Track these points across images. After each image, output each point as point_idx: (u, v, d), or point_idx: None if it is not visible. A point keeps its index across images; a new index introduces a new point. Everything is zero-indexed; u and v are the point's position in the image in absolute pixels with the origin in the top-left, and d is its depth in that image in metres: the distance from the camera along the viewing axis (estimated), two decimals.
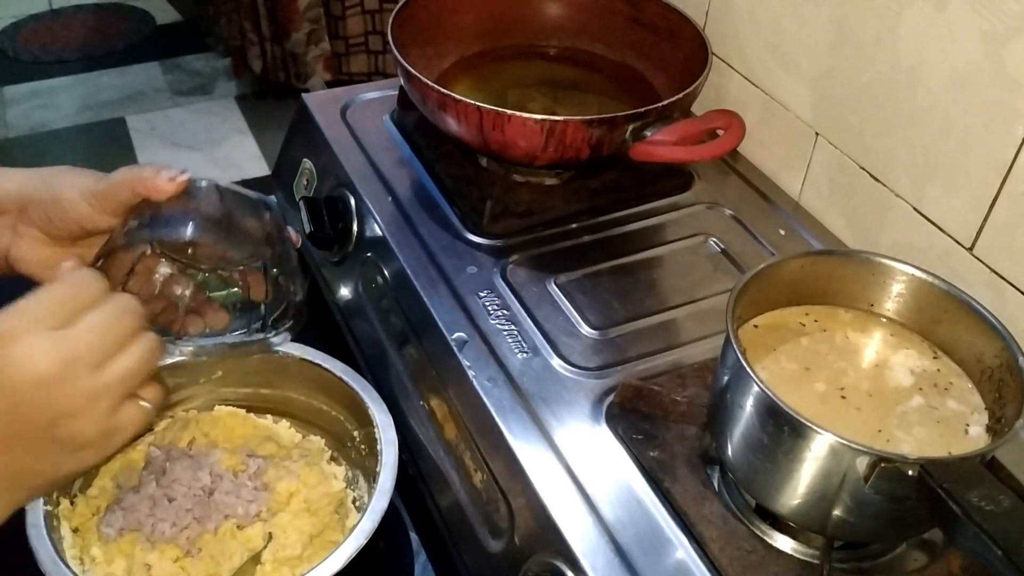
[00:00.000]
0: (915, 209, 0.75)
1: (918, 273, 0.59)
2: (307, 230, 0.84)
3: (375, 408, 0.72)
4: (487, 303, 0.73)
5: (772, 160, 0.91)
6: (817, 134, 0.84)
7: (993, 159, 0.67)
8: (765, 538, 0.58)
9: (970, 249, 0.71)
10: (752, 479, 0.57)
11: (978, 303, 0.56)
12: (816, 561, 0.57)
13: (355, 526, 0.64)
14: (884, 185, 0.78)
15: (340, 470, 0.74)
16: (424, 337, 0.74)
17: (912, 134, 0.74)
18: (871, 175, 0.79)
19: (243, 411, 0.78)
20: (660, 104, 0.79)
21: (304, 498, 0.69)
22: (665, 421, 0.64)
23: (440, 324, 0.72)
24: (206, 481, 0.69)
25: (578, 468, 0.62)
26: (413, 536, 0.74)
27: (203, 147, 2.48)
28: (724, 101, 0.95)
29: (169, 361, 0.75)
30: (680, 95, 0.80)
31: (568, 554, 0.57)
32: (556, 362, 0.69)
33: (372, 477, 0.69)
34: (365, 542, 0.63)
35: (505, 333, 0.71)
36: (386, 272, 0.80)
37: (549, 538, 0.59)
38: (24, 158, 2.41)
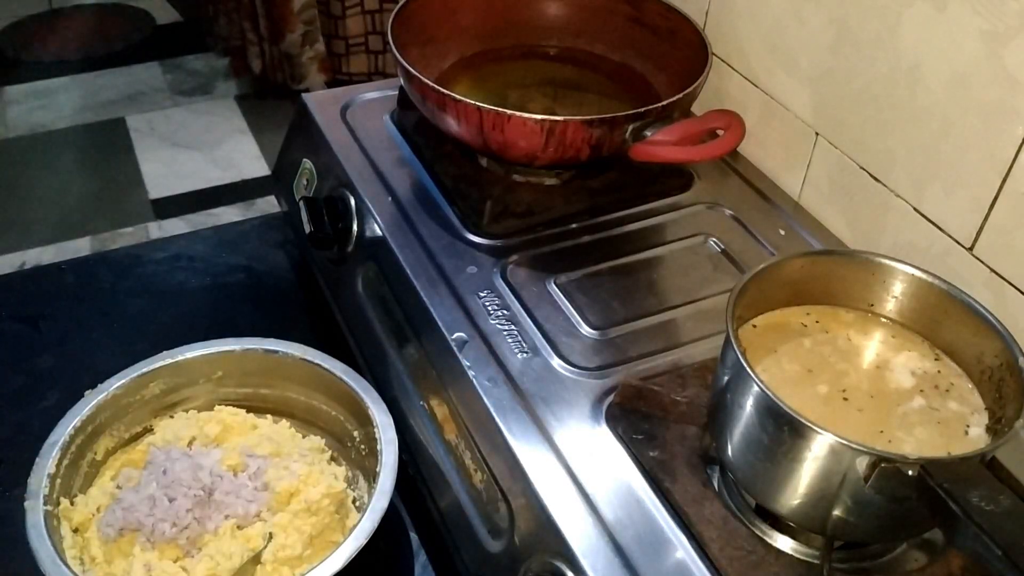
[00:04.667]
0: (915, 209, 0.75)
1: (918, 273, 0.59)
2: (307, 230, 0.84)
3: (375, 408, 0.72)
4: (487, 303, 0.73)
5: (772, 160, 0.91)
6: (817, 134, 0.84)
7: (993, 159, 0.67)
8: (765, 538, 0.58)
9: (970, 249, 0.71)
10: (752, 479, 0.57)
11: (978, 303, 0.56)
12: (816, 561, 0.57)
13: (355, 526, 0.64)
14: (884, 185, 0.78)
15: (340, 470, 0.74)
16: (424, 337, 0.74)
17: (912, 134, 0.74)
18: (871, 175, 0.79)
19: (243, 411, 0.77)
20: (660, 104, 0.79)
21: (304, 498, 0.69)
22: (665, 421, 0.64)
23: (440, 324, 0.71)
24: (206, 481, 0.69)
25: (578, 468, 0.62)
26: (413, 536, 0.74)
27: (203, 147, 2.48)
28: (724, 101, 0.95)
29: (170, 361, 0.76)
30: (680, 95, 0.80)
31: (568, 554, 0.57)
32: (556, 362, 0.69)
33: (372, 477, 0.69)
34: (365, 542, 0.63)
35: (505, 333, 0.71)
36: (386, 272, 0.80)
37: (549, 538, 0.59)
38: (24, 158, 2.41)
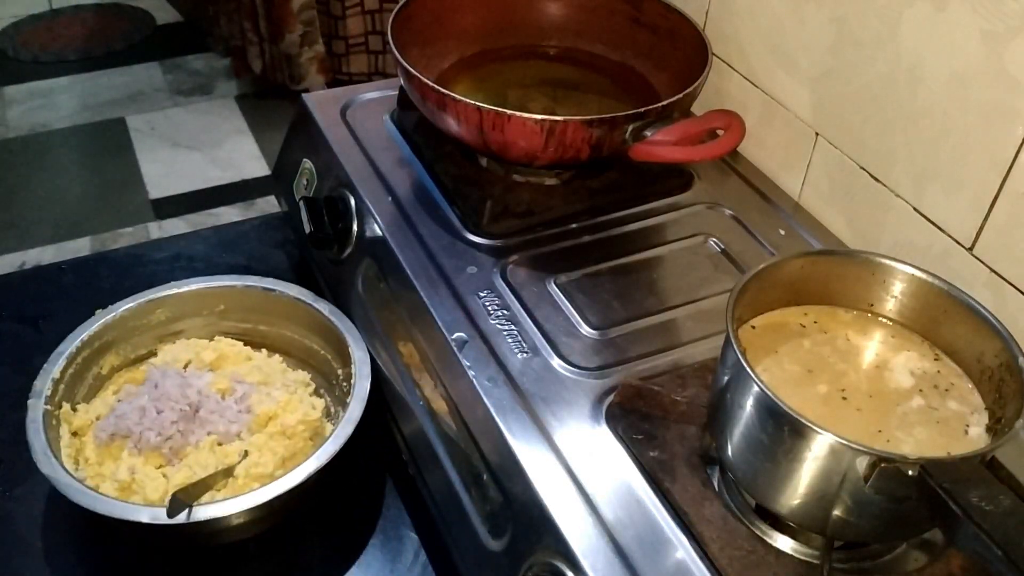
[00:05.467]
0: (915, 209, 0.75)
1: (918, 273, 0.59)
2: (307, 230, 0.84)
3: (355, 346, 0.77)
4: (487, 303, 0.73)
5: (772, 160, 0.91)
6: (817, 134, 0.84)
7: (993, 159, 0.67)
8: (765, 538, 0.58)
9: (970, 249, 0.71)
10: (752, 479, 0.57)
11: (978, 303, 0.56)
12: (816, 561, 0.57)
13: (320, 445, 0.70)
14: (884, 185, 0.78)
15: (320, 402, 0.79)
16: (424, 337, 0.74)
17: (912, 134, 0.74)
18: (871, 175, 0.79)
19: (240, 343, 0.83)
20: (660, 104, 0.79)
21: (281, 422, 0.74)
22: (665, 421, 0.64)
23: (440, 324, 0.71)
24: (193, 398, 0.74)
25: (578, 468, 0.62)
26: (413, 536, 0.74)
27: (203, 147, 2.48)
28: (724, 101, 0.95)
29: (175, 292, 0.82)
30: (680, 95, 0.80)
31: (568, 554, 0.57)
32: (556, 362, 0.69)
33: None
34: (327, 462, 0.68)
35: (505, 333, 0.71)
36: (386, 272, 0.80)
37: (549, 538, 0.59)
38: (24, 158, 2.41)
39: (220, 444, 0.73)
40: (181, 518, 0.64)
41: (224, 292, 0.84)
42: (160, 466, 0.72)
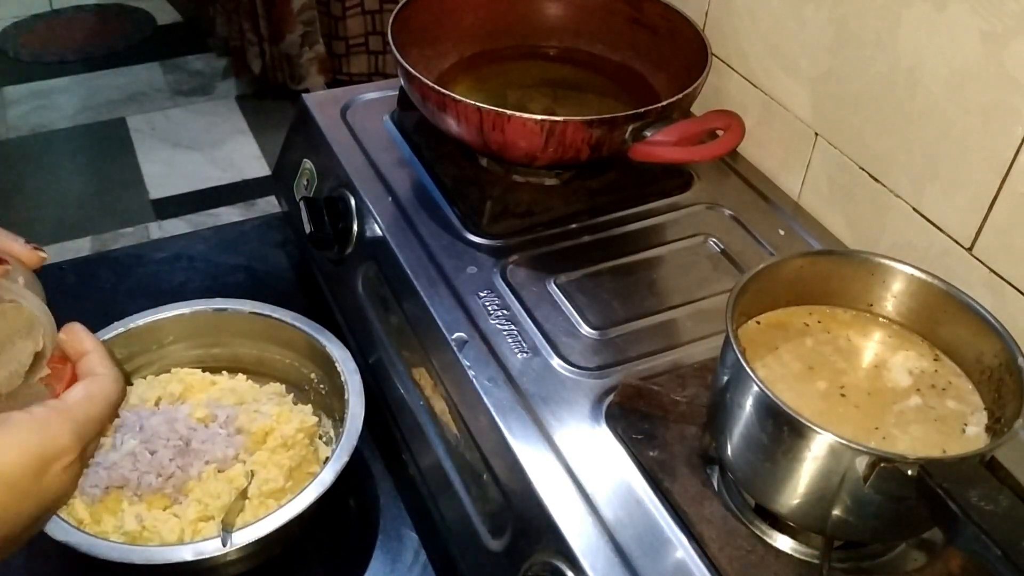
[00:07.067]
0: (915, 209, 0.75)
1: (917, 273, 0.59)
2: (307, 230, 0.84)
3: (331, 346, 0.76)
4: (487, 303, 0.73)
5: (772, 160, 0.91)
6: (817, 134, 0.84)
7: (993, 159, 0.67)
8: (765, 538, 0.58)
9: (969, 249, 0.71)
10: (752, 479, 0.57)
11: (977, 303, 0.56)
12: (816, 561, 0.57)
13: (335, 450, 0.69)
14: (884, 185, 0.78)
15: (308, 408, 0.77)
16: (424, 337, 0.74)
17: (912, 134, 0.74)
18: (871, 175, 0.79)
19: (199, 371, 0.80)
20: (660, 104, 0.79)
21: (280, 434, 0.73)
22: (665, 421, 0.64)
23: (440, 324, 0.72)
24: (183, 431, 0.72)
25: (578, 468, 0.62)
26: (413, 535, 0.74)
27: (203, 147, 2.48)
28: (724, 101, 0.95)
29: (121, 330, 0.78)
30: (680, 95, 0.80)
31: (568, 554, 0.57)
32: (556, 362, 0.69)
33: (335, 415, 0.73)
34: (347, 460, 0.67)
35: (505, 333, 0.71)
36: (386, 272, 0.80)
37: (549, 538, 0.59)
38: (24, 158, 2.41)
39: (220, 471, 0.71)
40: (228, 546, 0.63)
41: (172, 322, 0.80)
42: (166, 507, 0.70)
